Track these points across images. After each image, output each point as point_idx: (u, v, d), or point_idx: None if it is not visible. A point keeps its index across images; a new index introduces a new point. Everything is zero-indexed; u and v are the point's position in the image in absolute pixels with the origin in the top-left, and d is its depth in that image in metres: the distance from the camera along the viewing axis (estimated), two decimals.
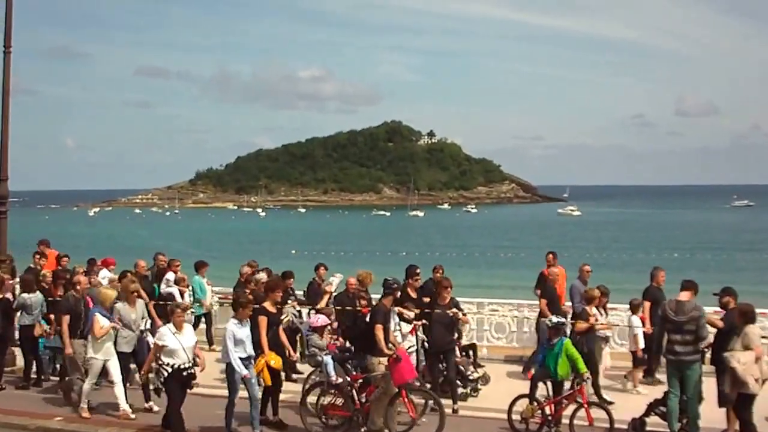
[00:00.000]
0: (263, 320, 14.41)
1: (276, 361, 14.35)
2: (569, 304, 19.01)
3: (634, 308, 17.89)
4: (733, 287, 14.78)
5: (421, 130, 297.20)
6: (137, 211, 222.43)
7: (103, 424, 14.98)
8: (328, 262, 21.47)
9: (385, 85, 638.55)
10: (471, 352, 18.64)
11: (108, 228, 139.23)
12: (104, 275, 20.80)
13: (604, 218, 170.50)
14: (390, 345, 14.35)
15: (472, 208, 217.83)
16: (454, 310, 16.69)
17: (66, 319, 15.99)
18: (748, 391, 12.96)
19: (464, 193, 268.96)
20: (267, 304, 14.76)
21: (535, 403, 14.37)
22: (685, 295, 14.11)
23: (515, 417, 14.38)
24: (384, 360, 14.06)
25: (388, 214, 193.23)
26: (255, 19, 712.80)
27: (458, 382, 16.79)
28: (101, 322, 15.12)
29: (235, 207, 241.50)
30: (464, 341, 19.57)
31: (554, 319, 15.17)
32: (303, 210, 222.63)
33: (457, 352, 17.54)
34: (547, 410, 14.23)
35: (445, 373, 16.49)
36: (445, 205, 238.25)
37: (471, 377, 17.15)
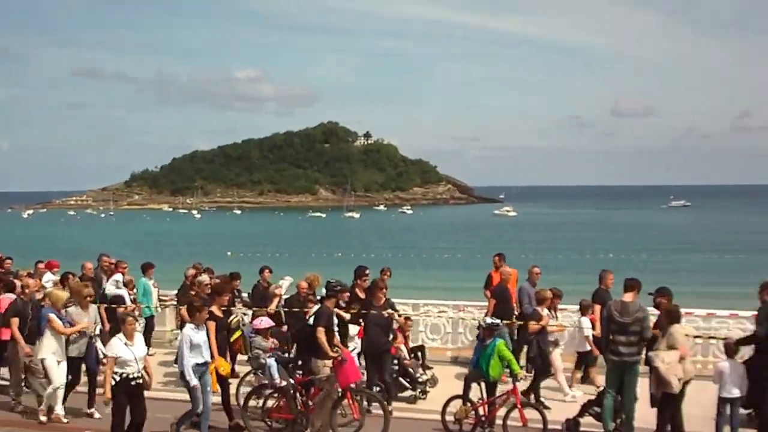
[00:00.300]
0: (212, 325, 14.19)
1: (224, 367, 14.25)
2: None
3: (583, 309, 17.93)
4: (668, 287, 14.84)
5: (358, 131, 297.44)
6: (71, 213, 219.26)
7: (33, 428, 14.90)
8: (263, 264, 21.44)
9: (322, 87, 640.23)
10: (420, 354, 18.69)
11: (43, 230, 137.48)
12: (48, 278, 20.36)
13: (539, 219, 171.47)
14: (335, 347, 14.34)
15: (407, 210, 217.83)
16: (390, 311, 16.77)
17: (15, 321, 15.74)
18: (671, 390, 13.13)
19: (400, 194, 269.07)
20: (214, 308, 14.53)
21: (469, 404, 14.46)
22: (629, 296, 14.26)
23: (449, 418, 14.47)
24: (328, 363, 14.06)
25: (323, 215, 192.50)
26: (192, 19, 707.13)
27: (407, 384, 16.92)
28: (58, 321, 15.00)
29: (171, 209, 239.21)
30: (412, 343, 19.61)
31: (488, 320, 15.27)
32: (239, 212, 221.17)
33: (406, 354, 17.64)
34: (481, 411, 14.34)
35: (400, 374, 16.65)
36: (381, 207, 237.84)
37: (420, 379, 17.16)
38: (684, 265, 72.24)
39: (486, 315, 18.28)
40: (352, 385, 14.04)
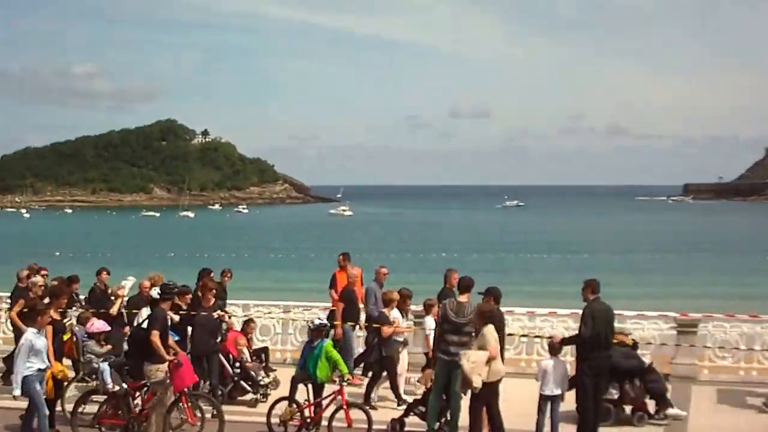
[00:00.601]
0: (50, 329, 13.84)
1: (63, 372, 13.99)
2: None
3: (427, 308, 17.61)
4: (497, 287, 15.00)
5: (196, 129, 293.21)
6: None
7: None
8: (93, 265, 20.99)
9: (161, 83, 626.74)
10: (263, 356, 18.53)
11: None
12: None
13: (376, 218, 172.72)
14: (171, 350, 14.15)
15: (243, 209, 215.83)
16: (220, 312, 16.73)
17: None
18: (473, 389, 13.29)
19: (236, 193, 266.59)
20: (51, 312, 14.07)
21: (294, 406, 14.51)
22: (465, 297, 14.56)
23: (274, 420, 14.50)
24: (163, 366, 13.81)
25: (157, 214, 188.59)
26: (27, 11, 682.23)
27: (248, 387, 16.83)
28: None
29: None
30: (257, 344, 19.49)
31: (316, 321, 15.34)
32: (70, 210, 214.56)
33: (248, 356, 17.49)
34: (307, 413, 14.42)
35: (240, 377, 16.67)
36: (216, 206, 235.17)
37: (261, 382, 17.04)
38: (515, 265, 74.15)
39: (335, 317, 18.57)
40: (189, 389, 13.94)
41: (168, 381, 13.78)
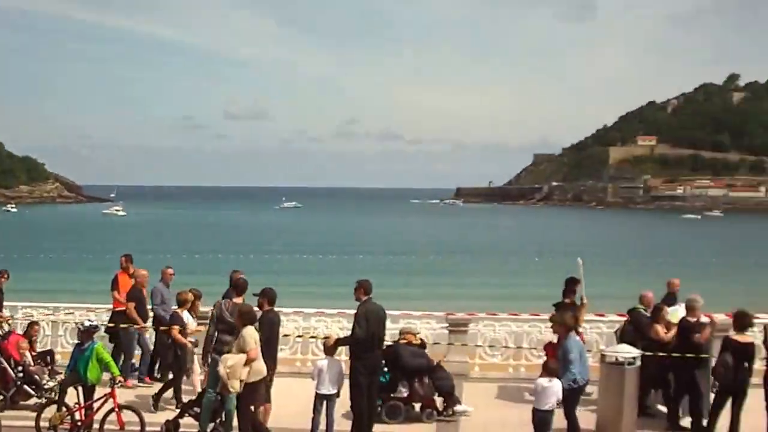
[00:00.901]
0: None
1: None
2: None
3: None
4: (272, 288, 14.91)
5: None
6: None
7: None
8: None
9: None
10: (49, 358, 17.86)
11: None
12: None
13: (150, 219, 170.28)
14: None
15: (12, 208, 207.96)
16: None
17: None
18: (230, 392, 13.43)
19: (4, 191, 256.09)
20: None
21: (64, 409, 14.17)
22: (240, 298, 14.72)
23: (44, 424, 14.09)
24: None
25: None
26: None
27: (32, 391, 16.25)
28: None
29: None
30: (39, 347, 18.84)
31: (86, 322, 14.90)
32: None
33: (31, 360, 16.92)
34: (78, 416, 14.09)
35: None
36: None
37: (46, 386, 16.44)
38: (292, 266, 74.52)
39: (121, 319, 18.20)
40: None
41: None
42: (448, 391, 16.23)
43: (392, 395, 15.73)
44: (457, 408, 16.23)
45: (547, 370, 13.66)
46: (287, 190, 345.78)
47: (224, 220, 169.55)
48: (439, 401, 16.09)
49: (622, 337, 16.93)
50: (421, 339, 17.29)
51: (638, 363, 14.97)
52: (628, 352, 15.03)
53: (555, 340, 14.92)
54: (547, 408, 13.39)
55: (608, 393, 14.87)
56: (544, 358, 16.14)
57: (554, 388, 13.38)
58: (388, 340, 15.80)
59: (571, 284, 17.64)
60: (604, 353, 15.46)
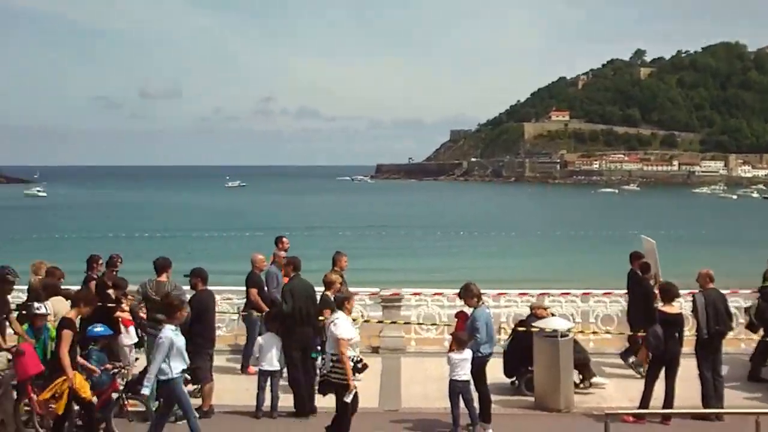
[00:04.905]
0: None
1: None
2: None
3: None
4: (203, 269, 15.18)
5: None
6: None
7: None
8: None
9: None
10: None
11: None
12: None
13: (75, 200, 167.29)
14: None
15: None
16: None
17: None
18: None
19: None
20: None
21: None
22: (164, 276, 14.84)
23: None
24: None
25: None
26: None
27: None
28: None
29: None
30: None
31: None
32: None
33: None
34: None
35: None
36: None
37: None
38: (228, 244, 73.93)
39: None
40: None
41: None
42: (584, 363, 16.36)
43: (530, 368, 15.81)
44: (594, 380, 16.47)
45: (457, 341, 13.96)
46: (209, 169, 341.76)
47: (172, 200, 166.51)
48: (574, 374, 16.02)
49: (758, 314, 17.44)
50: (551, 313, 17.29)
51: (571, 335, 15.44)
52: (561, 324, 15.46)
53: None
54: (463, 378, 13.65)
55: (543, 364, 15.22)
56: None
57: (466, 358, 13.65)
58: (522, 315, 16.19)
59: (635, 258, 18.24)
60: (535, 326, 15.84)
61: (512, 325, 18.13)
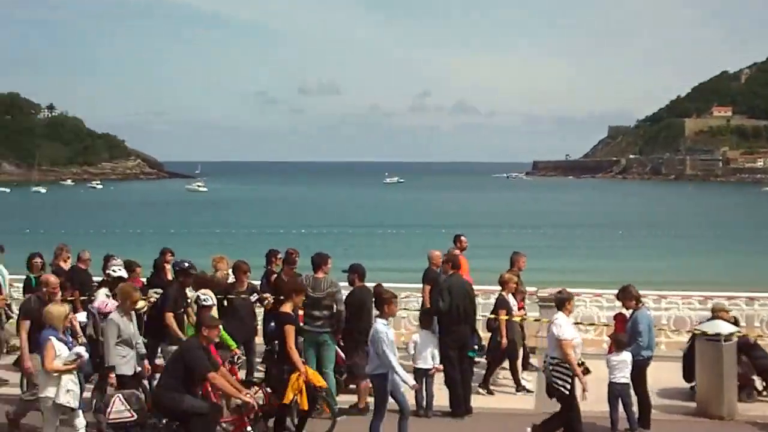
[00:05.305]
0: None
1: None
2: None
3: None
4: (362, 264, 15.30)
5: (41, 103, 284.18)
6: None
7: None
8: None
9: None
10: None
11: None
12: None
13: (237, 195, 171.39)
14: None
15: (97, 184, 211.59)
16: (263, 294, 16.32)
17: (26, 326, 13.04)
18: None
19: (89, 168, 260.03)
20: None
21: None
22: (321, 273, 14.79)
23: None
24: None
25: (8, 190, 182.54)
26: None
27: None
28: (58, 350, 11.80)
29: None
30: None
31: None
32: None
33: None
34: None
35: None
36: (68, 181, 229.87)
37: None
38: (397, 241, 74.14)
39: None
40: None
41: None
42: (767, 369, 15.78)
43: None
44: None
45: (616, 343, 13.76)
46: (366, 166, 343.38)
47: (333, 196, 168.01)
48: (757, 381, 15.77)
49: None
50: (734, 317, 16.84)
51: (734, 339, 14.95)
52: (724, 328, 15.02)
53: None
54: (621, 381, 13.47)
55: (706, 369, 14.84)
56: None
57: (624, 360, 13.46)
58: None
59: None
60: (697, 329, 15.48)
61: (673, 328, 17.78)
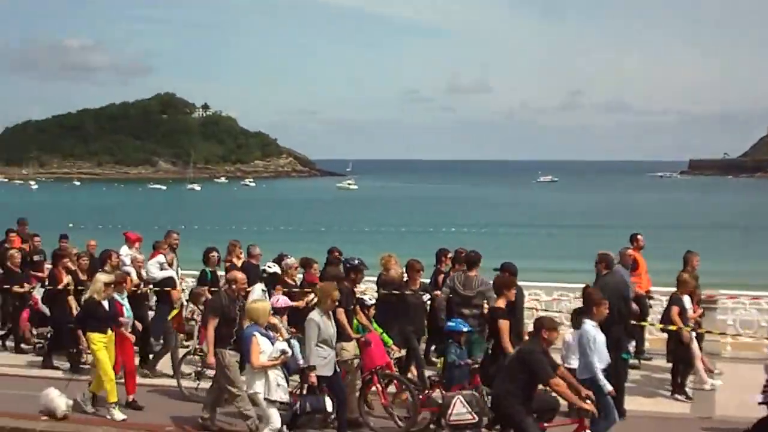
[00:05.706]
0: None
1: None
2: None
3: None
4: (513, 263, 15.16)
5: (195, 102, 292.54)
6: None
7: (96, 424, 13.60)
8: (108, 237, 20.69)
9: (157, 58, 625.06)
10: None
11: None
12: (125, 252, 18.40)
13: (387, 193, 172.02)
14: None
15: (250, 182, 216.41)
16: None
17: (213, 322, 13.10)
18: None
19: (242, 166, 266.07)
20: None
21: None
22: (473, 271, 14.82)
23: None
24: (349, 345, 13.61)
25: (164, 187, 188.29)
26: None
27: None
28: (262, 346, 12.15)
29: (6, 180, 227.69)
30: None
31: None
32: (77, 183, 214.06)
33: None
34: None
35: None
36: (222, 179, 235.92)
37: None
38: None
39: None
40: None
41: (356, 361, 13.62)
42: None
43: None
44: None
45: None
46: (518, 164, 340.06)
47: (484, 195, 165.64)
48: None
49: None
50: None
51: None
52: None
53: None
54: None
55: None
56: None
57: None
58: None
59: None
60: None
61: None
